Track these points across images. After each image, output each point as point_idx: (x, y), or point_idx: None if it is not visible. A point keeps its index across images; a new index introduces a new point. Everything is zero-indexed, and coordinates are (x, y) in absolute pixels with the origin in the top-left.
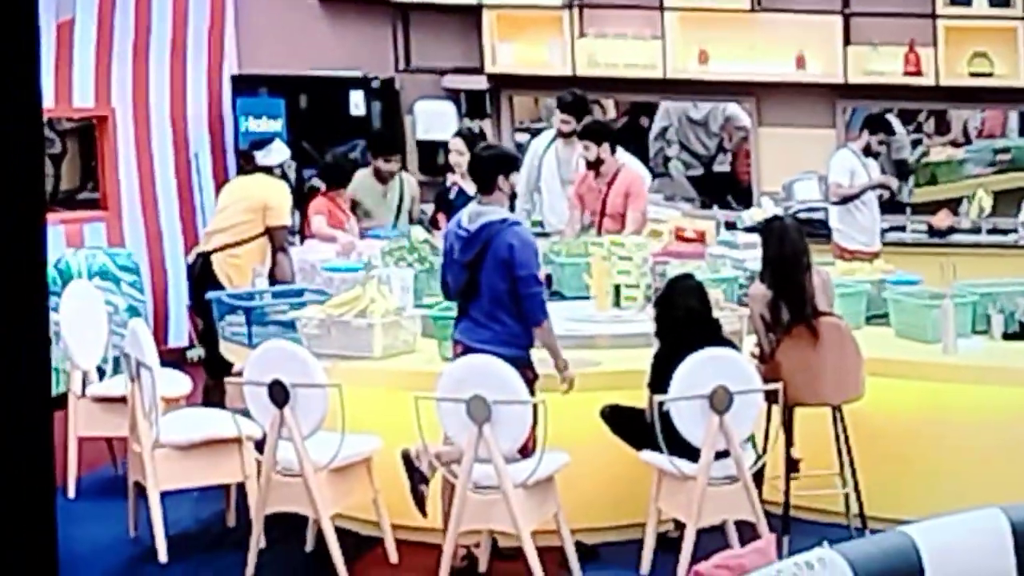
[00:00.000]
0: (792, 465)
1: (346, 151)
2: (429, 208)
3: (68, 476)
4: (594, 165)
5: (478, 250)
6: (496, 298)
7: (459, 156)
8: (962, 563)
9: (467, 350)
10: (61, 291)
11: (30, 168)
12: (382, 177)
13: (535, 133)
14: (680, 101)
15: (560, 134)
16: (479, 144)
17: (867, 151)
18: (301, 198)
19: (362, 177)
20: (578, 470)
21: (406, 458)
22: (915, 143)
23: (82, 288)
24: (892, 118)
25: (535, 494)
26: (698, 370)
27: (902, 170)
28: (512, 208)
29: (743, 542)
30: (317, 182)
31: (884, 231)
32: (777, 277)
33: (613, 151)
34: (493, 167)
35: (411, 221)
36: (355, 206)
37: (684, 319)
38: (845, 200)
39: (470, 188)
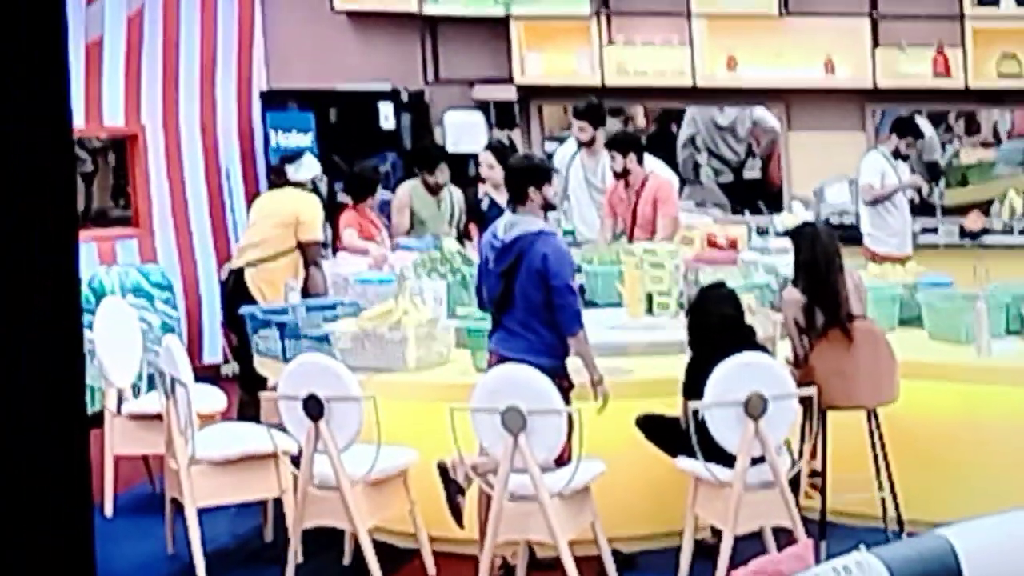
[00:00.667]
0: (817, 475)
1: (376, 164)
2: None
3: (105, 494)
4: (622, 175)
5: (512, 260)
6: (530, 308)
7: (490, 170)
8: (1000, 565)
9: (502, 360)
10: (95, 309)
11: (62, 186)
12: (432, 189)
13: (565, 142)
14: (709, 107)
15: (580, 143)
16: (511, 155)
17: (896, 154)
18: (333, 212)
19: (413, 188)
20: (614, 479)
21: (442, 470)
22: (944, 144)
23: (116, 306)
24: (922, 120)
25: (572, 503)
26: (732, 376)
27: (933, 172)
28: (546, 219)
29: (780, 548)
30: (344, 197)
31: (916, 233)
32: (810, 281)
33: (640, 161)
34: (524, 178)
35: (459, 234)
36: (411, 216)
37: (717, 326)
38: (876, 201)
39: (501, 199)
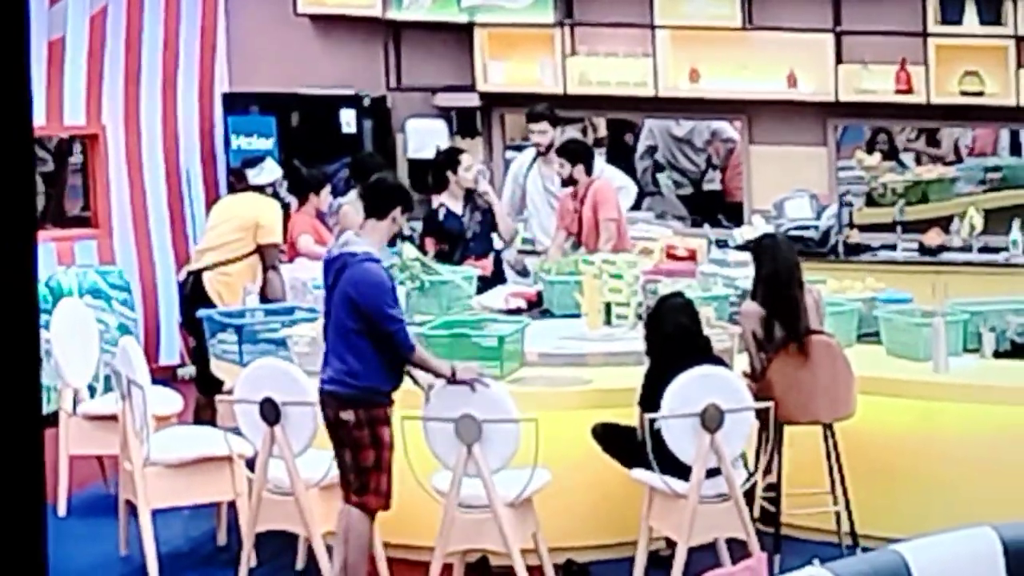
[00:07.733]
0: (773, 489)
1: (336, 169)
2: (417, 226)
3: (59, 494)
4: (568, 183)
5: (332, 279)
6: (339, 330)
7: (466, 171)
8: None
9: (320, 393)
10: (52, 309)
11: (21, 186)
12: None
13: (523, 151)
14: (671, 119)
15: (537, 151)
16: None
17: None
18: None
19: (354, 204)
20: (569, 488)
21: None
22: (902, 164)
23: (73, 306)
24: None
25: (518, 513)
26: (689, 388)
27: None
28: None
29: (734, 560)
30: (283, 194)
31: (875, 249)
32: (770, 293)
33: (588, 171)
34: (390, 197)
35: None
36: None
37: (674, 337)
38: None
39: (458, 208)
